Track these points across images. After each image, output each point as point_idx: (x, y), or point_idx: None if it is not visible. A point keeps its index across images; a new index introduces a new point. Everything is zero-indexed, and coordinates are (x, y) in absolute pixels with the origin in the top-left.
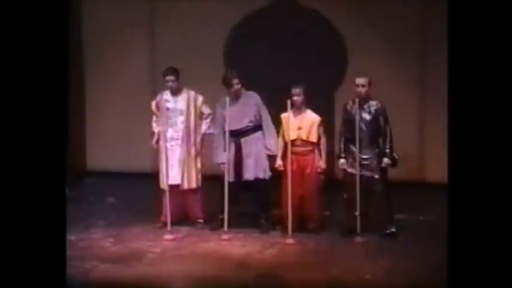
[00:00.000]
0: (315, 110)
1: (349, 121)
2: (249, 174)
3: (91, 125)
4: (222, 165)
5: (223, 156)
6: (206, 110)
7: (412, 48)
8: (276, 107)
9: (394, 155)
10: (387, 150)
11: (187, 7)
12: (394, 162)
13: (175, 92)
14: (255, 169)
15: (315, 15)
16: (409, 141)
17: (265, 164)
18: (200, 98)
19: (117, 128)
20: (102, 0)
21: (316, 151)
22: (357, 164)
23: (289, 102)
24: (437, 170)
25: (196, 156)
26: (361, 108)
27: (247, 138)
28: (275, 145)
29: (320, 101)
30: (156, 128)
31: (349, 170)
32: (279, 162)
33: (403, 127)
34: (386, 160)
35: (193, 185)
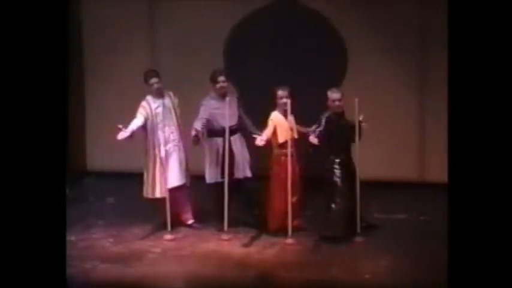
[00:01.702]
0: (315, 110)
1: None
2: (238, 173)
3: (91, 125)
4: (194, 134)
5: (198, 125)
6: None
7: (412, 48)
8: (275, 106)
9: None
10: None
11: (187, 7)
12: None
13: (160, 95)
14: (243, 168)
15: (315, 15)
16: (409, 142)
17: (249, 162)
18: (176, 98)
19: (117, 128)
20: (102, 0)
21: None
22: (357, 170)
23: (288, 102)
24: (437, 170)
25: (185, 155)
26: (337, 119)
27: (233, 137)
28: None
29: (320, 101)
30: (132, 126)
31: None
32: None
33: (403, 127)
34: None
35: (187, 183)
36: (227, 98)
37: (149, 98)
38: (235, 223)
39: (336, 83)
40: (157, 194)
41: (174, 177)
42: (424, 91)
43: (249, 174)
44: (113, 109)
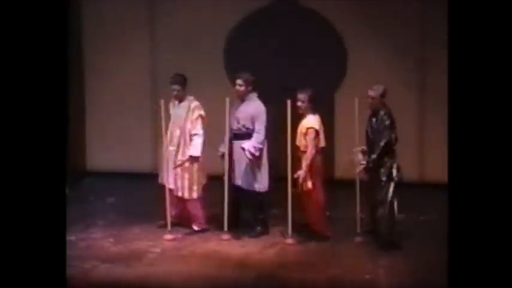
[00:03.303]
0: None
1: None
2: (238, 181)
3: (91, 125)
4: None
5: (222, 147)
6: (197, 129)
7: (412, 48)
8: (275, 106)
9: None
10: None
11: (187, 7)
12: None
13: (179, 100)
14: (245, 179)
15: (315, 15)
16: (409, 142)
17: (255, 176)
18: (197, 112)
19: (117, 128)
20: (102, 0)
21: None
22: (357, 168)
23: (288, 102)
24: (437, 170)
25: (192, 165)
26: (372, 117)
27: (236, 142)
28: (248, 147)
29: (320, 102)
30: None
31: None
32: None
33: (403, 127)
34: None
35: (193, 196)
36: (227, 99)
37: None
38: (236, 224)
39: (336, 83)
40: (159, 179)
41: (171, 181)
42: (424, 91)
43: (239, 183)
44: (113, 109)
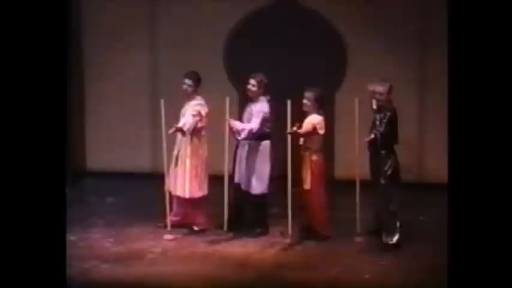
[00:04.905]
0: None
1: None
2: (239, 180)
3: (91, 125)
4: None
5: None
6: (192, 111)
7: (412, 48)
8: (275, 106)
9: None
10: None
11: (187, 7)
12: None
13: (188, 97)
14: (246, 180)
15: (315, 15)
16: (409, 141)
17: (257, 179)
18: (197, 108)
19: (117, 128)
20: (102, 0)
21: (315, 157)
22: (357, 166)
23: (288, 102)
24: (437, 170)
25: (191, 164)
26: (376, 115)
27: (241, 143)
28: (234, 122)
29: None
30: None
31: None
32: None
33: (403, 127)
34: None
35: (185, 195)
36: (227, 99)
37: None
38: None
39: (336, 83)
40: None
41: (171, 183)
42: (424, 91)
43: (254, 190)
44: (113, 109)
